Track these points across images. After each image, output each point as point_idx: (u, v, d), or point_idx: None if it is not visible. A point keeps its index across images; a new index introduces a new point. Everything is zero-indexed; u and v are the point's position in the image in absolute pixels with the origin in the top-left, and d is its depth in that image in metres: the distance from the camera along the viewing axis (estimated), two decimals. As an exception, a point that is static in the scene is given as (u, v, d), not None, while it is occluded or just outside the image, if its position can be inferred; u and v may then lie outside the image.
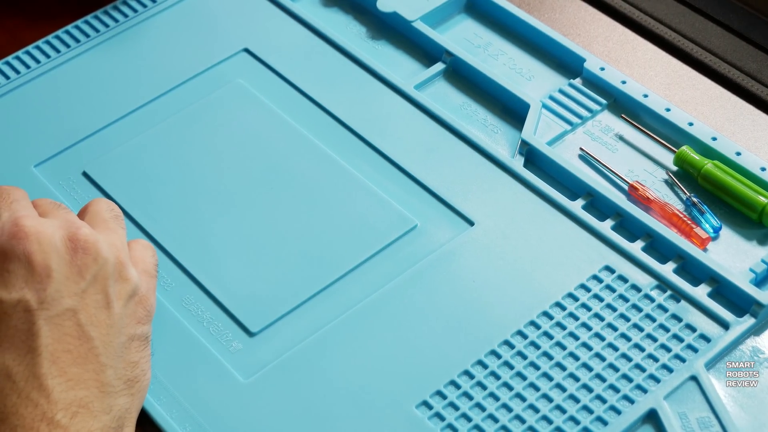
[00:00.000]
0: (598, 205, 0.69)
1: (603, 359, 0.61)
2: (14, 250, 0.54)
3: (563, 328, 0.63)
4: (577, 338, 0.62)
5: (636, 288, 0.64)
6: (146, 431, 0.59)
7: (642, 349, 0.61)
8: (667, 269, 0.65)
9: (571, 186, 0.70)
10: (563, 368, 0.61)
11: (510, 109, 0.75)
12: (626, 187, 0.69)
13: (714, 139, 0.70)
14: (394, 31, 0.81)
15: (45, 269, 0.54)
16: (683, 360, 0.61)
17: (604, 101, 0.74)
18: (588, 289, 0.64)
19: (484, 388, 0.60)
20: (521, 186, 0.70)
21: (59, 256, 0.55)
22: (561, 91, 0.75)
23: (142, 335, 0.58)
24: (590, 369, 0.61)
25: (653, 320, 0.63)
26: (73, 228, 0.57)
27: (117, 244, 0.59)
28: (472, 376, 0.61)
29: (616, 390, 0.60)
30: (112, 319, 0.56)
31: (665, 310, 0.63)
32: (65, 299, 0.54)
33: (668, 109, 0.72)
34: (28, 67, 0.79)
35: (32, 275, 0.54)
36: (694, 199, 0.68)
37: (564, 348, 0.62)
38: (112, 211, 0.62)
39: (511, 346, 0.62)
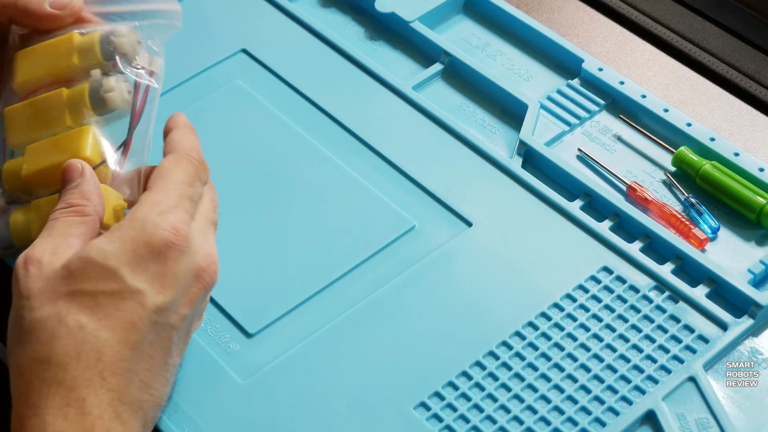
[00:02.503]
0: (597, 206, 0.69)
1: (601, 360, 0.61)
2: (160, 249, 0.54)
3: (561, 329, 0.63)
4: (575, 339, 0.62)
5: (634, 289, 0.64)
6: None
7: (640, 350, 0.61)
8: (666, 270, 0.65)
9: (570, 187, 0.70)
10: (561, 369, 0.61)
11: (508, 110, 0.75)
12: (624, 188, 0.69)
13: (712, 139, 0.70)
14: (392, 31, 0.81)
15: (173, 282, 0.55)
16: (681, 361, 0.61)
17: (602, 102, 0.74)
18: (586, 290, 0.64)
19: (483, 389, 0.60)
20: (519, 187, 0.70)
21: (188, 277, 0.56)
22: (559, 92, 0.75)
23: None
24: (588, 370, 0.61)
25: (651, 321, 0.63)
26: (209, 259, 0.57)
27: None
28: (470, 377, 0.61)
29: (615, 391, 0.60)
30: (184, 347, 0.58)
31: (663, 310, 0.63)
32: (173, 316, 0.55)
33: (666, 110, 0.72)
34: (25, 67, 0.79)
35: (160, 279, 0.54)
36: (693, 200, 0.68)
37: (562, 349, 0.62)
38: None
39: (510, 347, 0.62)
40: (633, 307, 0.63)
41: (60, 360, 0.51)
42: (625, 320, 0.63)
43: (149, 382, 0.54)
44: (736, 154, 0.69)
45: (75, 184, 0.57)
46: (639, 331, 0.62)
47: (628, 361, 0.61)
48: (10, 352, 0.53)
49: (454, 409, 0.60)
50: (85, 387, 0.51)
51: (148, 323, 0.54)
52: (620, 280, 0.64)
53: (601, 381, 0.60)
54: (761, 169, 0.68)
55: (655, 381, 0.60)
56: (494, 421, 0.59)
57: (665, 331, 0.62)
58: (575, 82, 0.76)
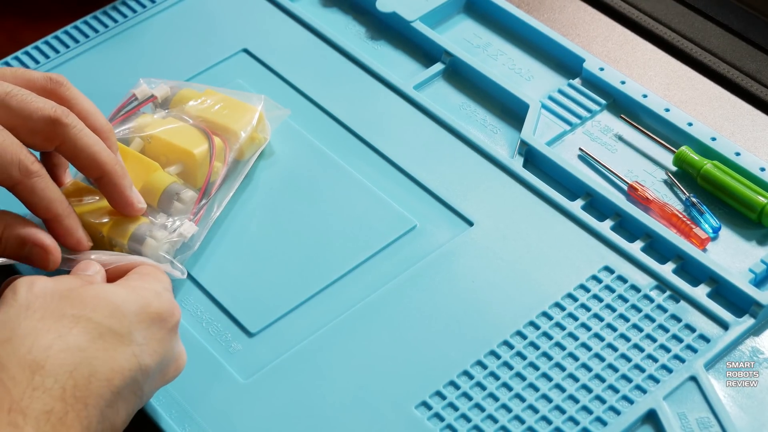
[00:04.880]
0: (598, 206, 0.69)
1: (602, 359, 0.61)
2: (164, 317, 0.56)
3: (562, 328, 0.63)
4: (576, 338, 0.62)
5: (635, 288, 0.64)
6: (145, 431, 0.60)
7: (641, 350, 0.61)
8: (667, 269, 0.65)
9: (571, 186, 0.70)
10: (563, 369, 0.61)
11: (509, 110, 0.75)
12: (625, 188, 0.69)
13: (713, 139, 0.70)
14: (393, 31, 0.81)
15: (162, 352, 0.56)
16: (683, 360, 0.61)
17: (603, 101, 0.74)
18: (587, 290, 0.64)
19: (484, 388, 0.60)
20: (520, 186, 0.70)
21: (171, 356, 0.57)
22: (560, 92, 0.75)
23: None
24: (590, 369, 0.61)
25: (653, 320, 0.63)
26: (184, 355, 0.59)
27: None
28: (471, 377, 0.61)
29: (616, 390, 0.60)
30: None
31: (664, 310, 0.63)
32: (146, 385, 0.55)
33: (667, 110, 0.72)
34: (27, 67, 0.79)
35: (155, 344, 0.55)
36: (694, 200, 0.68)
37: (563, 348, 0.62)
38: None
39: (511, 347, 0.62)
40: (634, 307, 0.63)
41: (53, 370, 0.51)
42: (626, 320, 0.63)
43: None
44: (737, 154, 0.69)
45: (92, 277, 0.58)
46: (640, 330, 0.62)
47: (629, 360, 0.61)
48: None
49: (456, 408, 0.60)
50: (71, 404, 0.51)
51: (131, 377, 0.53)
52: (621, 279, 0.64)
53: (602, 380, 0.60)
54: (762, 169, 0.68)
55: (656, 380, 0.60)
56: (495, 421, 0.59)
57: (666, 330, 0.62)
58: (576, 82, 0.76)
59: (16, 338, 0.52)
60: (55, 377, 0.51)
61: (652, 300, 0.63)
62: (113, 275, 0.60)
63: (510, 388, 0.60)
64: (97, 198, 0.64)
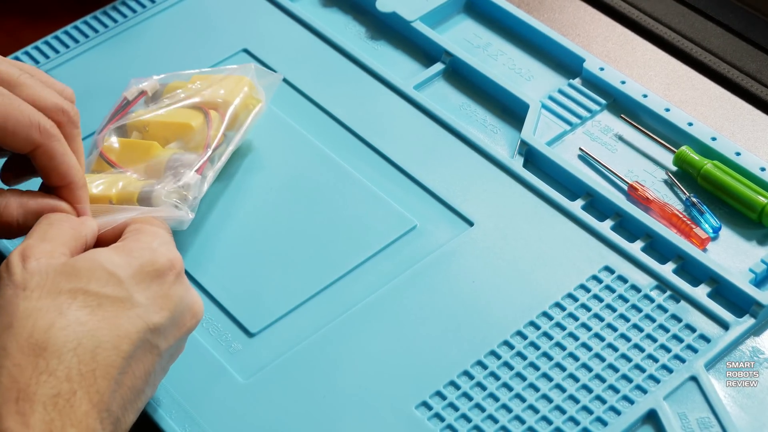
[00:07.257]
0: (598, 206, 0.69)
1: (603, 360, 0.61)
2: (163, 271, 0.56)
3: (563, 328, 0.63)
4: (576, 339, 0.62)
5: (636, 288, 0.64)
6: (145, 431, 0.60)
7: (642, 350, 0.61)
8: (667, 269, 0.65)
9: (571, 186, 0.70)
10: (563, 369, 0.61)
11: (509, 110, 0.75)
12: (626, 188, 0.69)
13: (713, 139, 0.70)
14: (393, 31, 0.81)
15: (171, 305, 0.56)
16: (683, 360, 0.61)
17: (603, 101, 0.74)
18: (587, 290, 0.64)
19: (484, 388, 0.60)
20: (521, 186, 0.70)
21: (184, 306, 0.57)
22: (560, 92, 0.75)
23: None
24: (590, 369, 0.61)
25: (653, 320, 0.63)
26: (200, 300, 0.59)
27: None
28: (471, 377, 0.61)
29: (616, 390, 0.60)
30: (158, 382, 0.58)
31: (665, 310, 0.63)
32: (162, 341, 0.56)
33: (668, 109, 0.72)
34: (27, 67, 0.79)
35: (160, 300, 0.55)
36: (694, 200, 0.68)
37: (563, 348, 0.62)
38: None
39: (511, 347, 0.62)
40: (634, 307, 0.63)
41: (57, 350, 0.51)
42: (627, 320, 0.63)
43: (127, 402, 0.53)
44: (738, 154, 0.69)
45: (81, 226, 0.58)
46: (640, 330, 0.62)
47: (629, 360, 0.61)
48: None
49: (456, 409, 0.60)
50: (77, 382, 0.51)
51: (142, 338, 0.54)
52: (621, 279, 0.64)
53: (603, 380, 0.60)
54: (762, 169, 0.68)
55: (657, 380, 0.60)
56: (496, 421, 0.59)
57: (666, 330, 0.62)
58: (576, 82, 0.76)
59: (16, 322, 0.51)
60: (58, 357, 0.51)
61: (652, 300, 0.63)
62: (112, 234, 0.59)
63: (510, 389, 0.60)
64: (101, 180, 0.65)
